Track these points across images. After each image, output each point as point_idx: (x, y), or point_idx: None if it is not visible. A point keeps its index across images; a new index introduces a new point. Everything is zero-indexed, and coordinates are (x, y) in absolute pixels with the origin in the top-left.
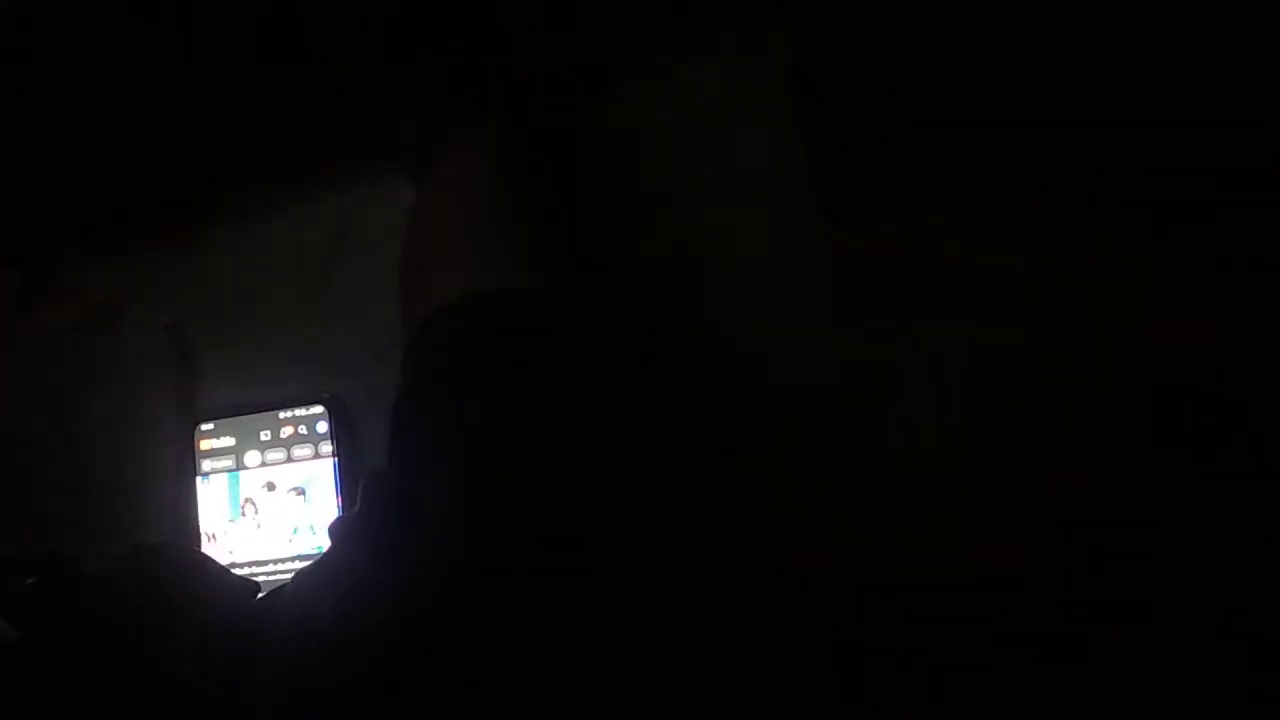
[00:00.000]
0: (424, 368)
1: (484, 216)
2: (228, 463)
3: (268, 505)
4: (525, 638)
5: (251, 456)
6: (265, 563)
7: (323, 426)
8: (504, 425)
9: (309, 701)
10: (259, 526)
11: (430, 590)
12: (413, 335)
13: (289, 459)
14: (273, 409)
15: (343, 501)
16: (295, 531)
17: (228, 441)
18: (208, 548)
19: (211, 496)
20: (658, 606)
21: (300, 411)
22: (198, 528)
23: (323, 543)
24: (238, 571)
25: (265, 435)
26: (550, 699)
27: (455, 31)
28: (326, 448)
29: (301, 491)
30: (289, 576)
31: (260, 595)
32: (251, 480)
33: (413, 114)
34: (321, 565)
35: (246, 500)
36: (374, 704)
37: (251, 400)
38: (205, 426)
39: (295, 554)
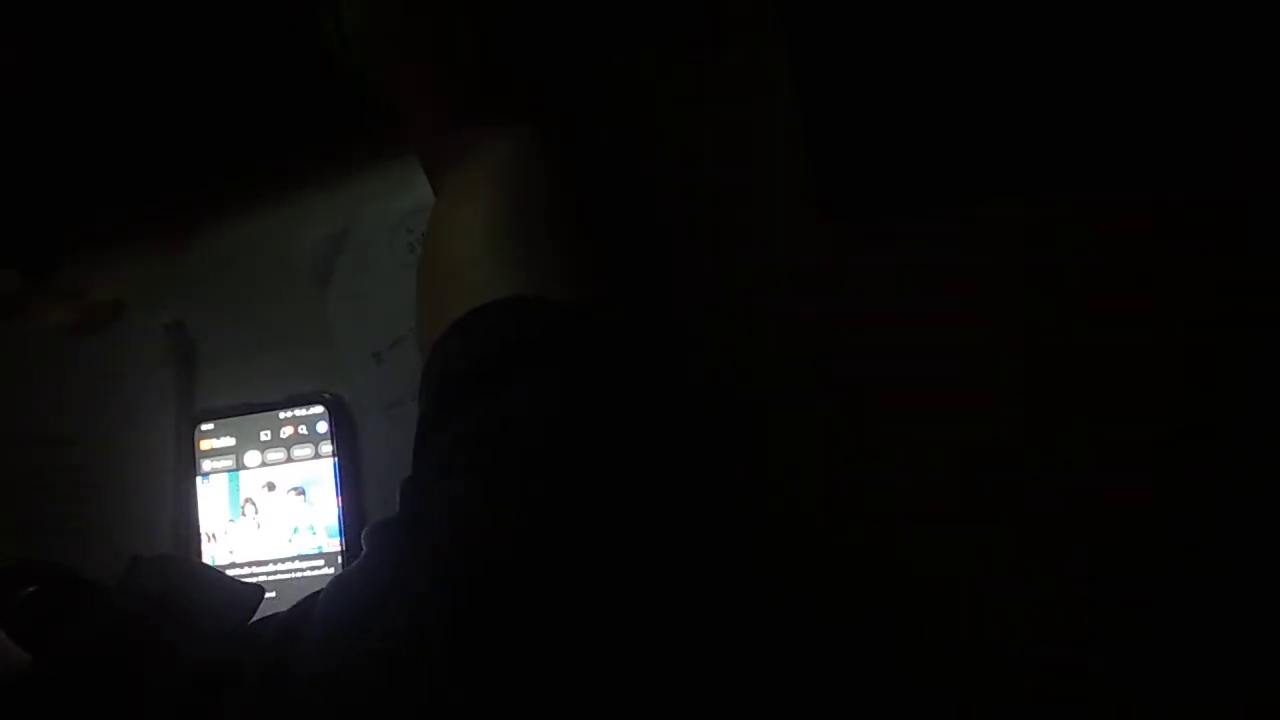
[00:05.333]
0: (455, 370)
1: (511, 219)
2: (228, 463)
3: (268, 505)
4: (570, 637)
5: (251, 456)
6: (265, 563)
7: (323, 426)
8: (541, 429)
9: (356, 708)
10: (259, 526)
11: (481, 591)
12: (440, 336)
13: (289, 459)
14: (273, 409)
15: (342, 502)
16: (295, 531)
17: (228, 441)
18: (208, 548)
19: (211, 496)
20: (686, 606)
21: (300, 411)
22: (198, 528)
23: (322, 543)
24: (237, 572)
25: (265, 435)
26: (592, 699)
27: (481, 33)
28: (326, 448)
29: (301, 491)
30: (289, 577)
31: (301, 601)
32: (251, 480)
33: (439, 115)
34: (360, 571)
35: (246, 500)
36: (426, 708)
37: (251, 400)
38: (205, 426)
39: (295, 554)
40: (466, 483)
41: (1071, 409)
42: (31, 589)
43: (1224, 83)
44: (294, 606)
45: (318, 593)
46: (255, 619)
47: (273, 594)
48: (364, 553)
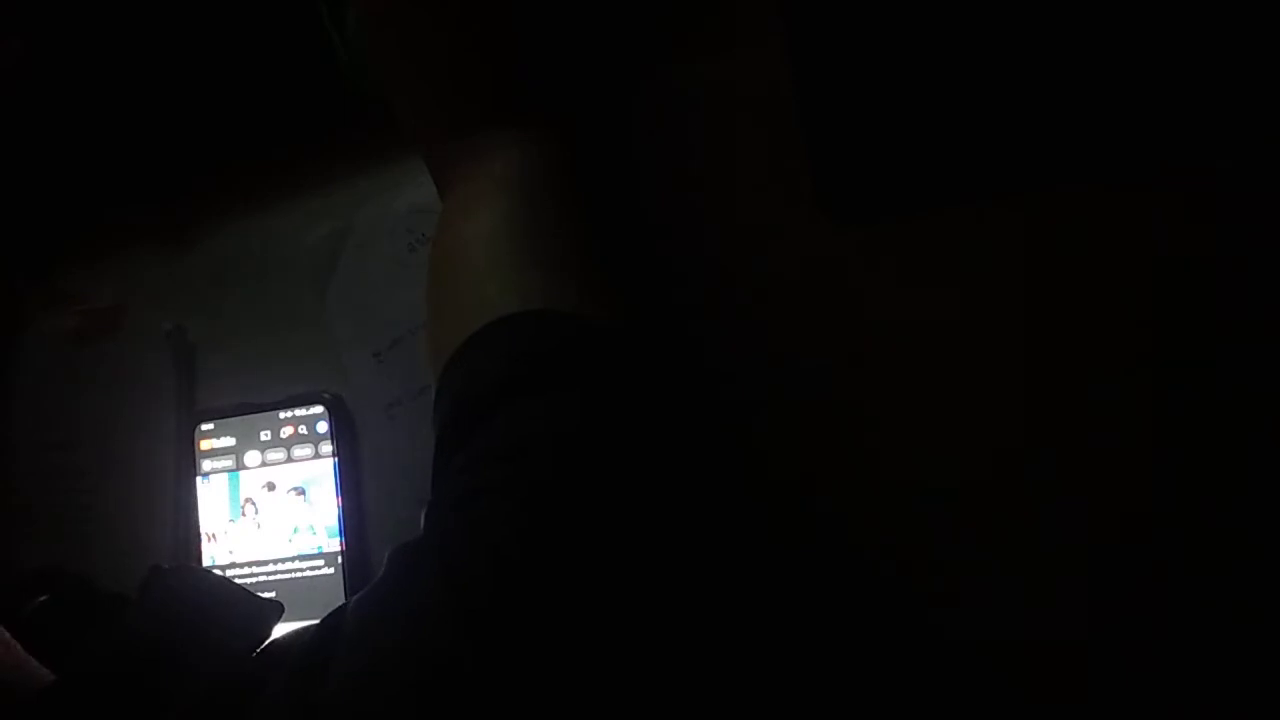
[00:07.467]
0: (472, 388)
1: (521, 228)
2: (228, 463)
3: (268, 505)
4: (578, 635)
5: (251, 456)
6: (265, 563)
7: (323, 426)
8: (558, 449)
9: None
10: (259, 526)
11: (506, 617)
12: (455, 351)
13: (289, 459)
14: (273, 409)
15: (342, 501)
16: (295, 531)
17: (228, 441)
18: (208, 548)
19: (211, 496)
20: (696, 612)
21: (300, 411)
22: (198, 528)
23: (322, 542)
24: (237, 572)
25: (265, 435)
26: (602, 700)
27: (486, 37)
28: (326, 448)
29: (301, 491)
30: (289, 577)
31: (326, 618)
32: (251, 480)
33: (446, 119)
34: (387, 594)
35: (246, 500)
36: (440, 713)
37: (251, 400)
38: (205, 426)
39: (295, 554)
40: (485, 503)
41: (1072, 408)
42: (43, 598)
43: (1224, 82)
44: (322, 622)
45: (341, 608)
46: (274, 637)
47: (272, 594)
48: (384, 569)
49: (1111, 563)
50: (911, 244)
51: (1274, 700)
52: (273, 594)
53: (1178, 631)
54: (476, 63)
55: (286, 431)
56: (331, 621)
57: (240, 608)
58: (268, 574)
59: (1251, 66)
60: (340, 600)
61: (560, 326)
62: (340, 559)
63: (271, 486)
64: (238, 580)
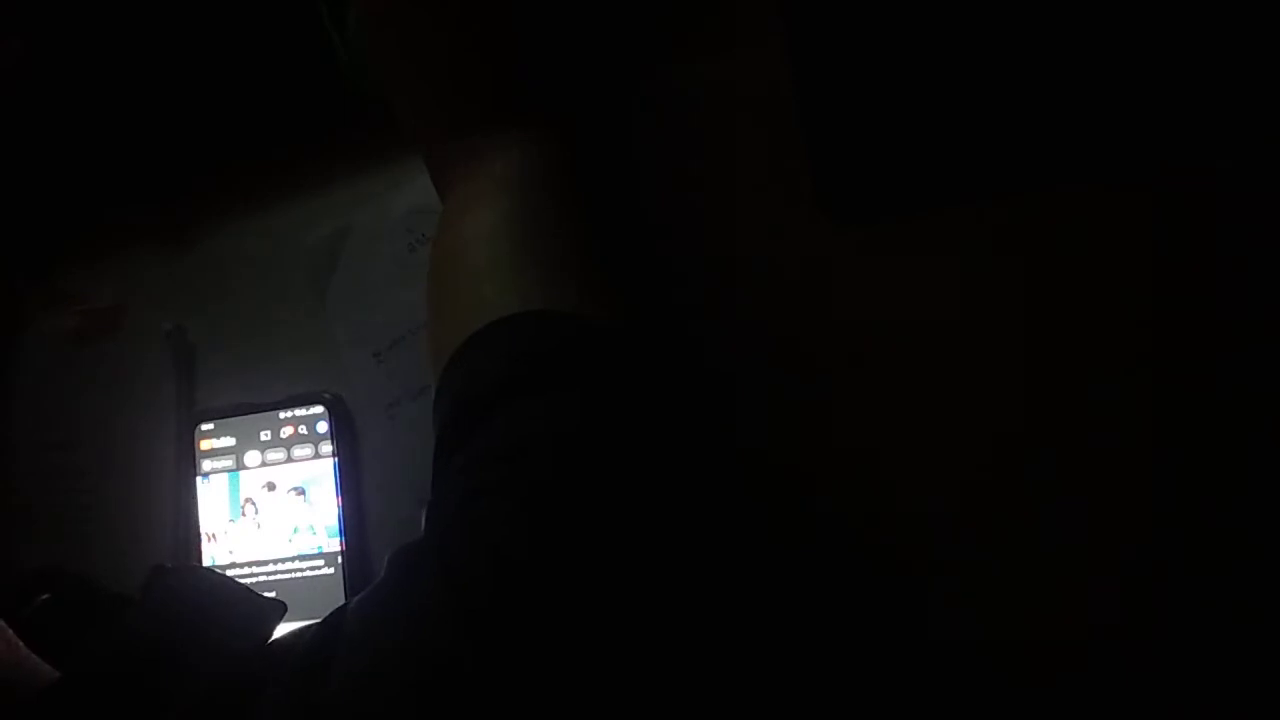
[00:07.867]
0: (472, 387)
1: (521, 229)
2: (228, 463)
3: (268, 505)
4: (579, 636)
5: (251, 456)
6: (265, 563)
7: (323, 426)
8: (559, 450)
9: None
10: (259, 526)
11: (506, 618)
12: (456, 350)
13: (289, 459)
14: (273, 409)
15: (342, 501)
16: (295, 531)
17: (228, 441)
18: (208, 548)
19: (211, 496)
20: (700, 613)
21: (300, 411)
22: (198, 528)
23: (322, 542)
24: (237, 572)
25: (265, 435)
26: (601, 699)
27: (487, 39)
28: (326, 448)
29: (301, 491)
30: (289, 577)
31: (327, 618)
32: (251, 480)
33: (446, 120)
34: (388, 595)
35: (246, 500)
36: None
37: (251, 400)
38: (205, 426)
39: (295, 554)
40: (485, 503)
41: (1072, 408)
42: (43, 598)
43: (1224, 82)
44: (323, 622)
45: (342, 609)
46: (276, 636)
47: (272, 594)
48: (385, 569)
49: (1111, 563)
50: (911, 244)
51: (1274, 700)
52: (273, 594)
53: (1178, 631)
54: (476, 63)
55: (286, 431)
56: (333, 621)
57: (242, 607)
58: (268, 574)
59: (1251, 66)
60: (340, 600)
61: (560, 326)
62: (340, 559)
63: (271, 486)
64: (238, 580)
